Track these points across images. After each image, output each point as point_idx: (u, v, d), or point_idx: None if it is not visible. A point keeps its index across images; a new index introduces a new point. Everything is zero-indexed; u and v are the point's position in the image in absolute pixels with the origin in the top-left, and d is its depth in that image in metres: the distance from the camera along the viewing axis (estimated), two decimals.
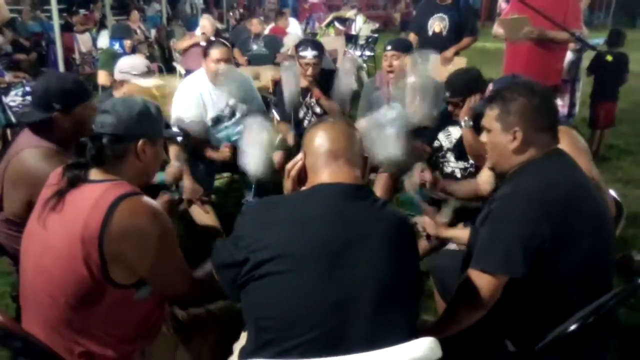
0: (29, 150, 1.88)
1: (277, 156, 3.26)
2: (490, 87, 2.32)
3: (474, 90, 2.47)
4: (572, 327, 1.36)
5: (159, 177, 2.47)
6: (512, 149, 1.52)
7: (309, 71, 3.19)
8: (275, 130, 2.85)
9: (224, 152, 2.92)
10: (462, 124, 2.46)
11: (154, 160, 1.54)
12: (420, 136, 2.88)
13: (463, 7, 4.52)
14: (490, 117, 1.58)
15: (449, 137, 2.72)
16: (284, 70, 3.26)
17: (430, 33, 4.44)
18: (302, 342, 1.13)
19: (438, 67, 4.26)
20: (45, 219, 1.35)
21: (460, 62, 4.11)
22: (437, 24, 4.41)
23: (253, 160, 2.52)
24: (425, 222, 2.13)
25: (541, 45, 3.59)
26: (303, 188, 1.38)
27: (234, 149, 2.80)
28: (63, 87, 1.85)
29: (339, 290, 1.15)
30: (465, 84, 2.51)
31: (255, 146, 2.53)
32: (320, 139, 1.34)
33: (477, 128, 1.69)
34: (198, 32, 6.35)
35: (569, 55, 4.35)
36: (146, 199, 1.37)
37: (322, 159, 1.32)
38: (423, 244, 2.13)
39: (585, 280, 1.46)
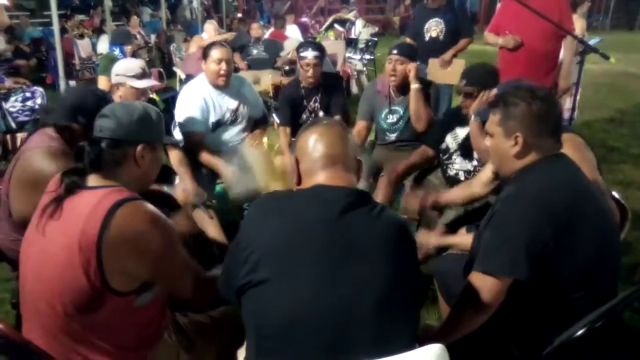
0: (37, 149, 1.86)
1: (279, 160, 3.25)
2: (495, 91, 2.31)
3: (489, 85, 2.42)
4: (580, 332, 1.35)
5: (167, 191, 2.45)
6: (513, 154, 1.52)
7: (310, 72, 3.20)
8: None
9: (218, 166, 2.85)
10: (472, 116, 2.40)
11: (153, 167, 1.52)
12: (426, 139, 2.87)
13: (458, 10, 4.53)
14: (493, 121, 1.58)
15: (455, 138, 2.67)
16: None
17: (427, 38, 4.43)
18: (303, 350, 1.12)
19: (437, 70, 4.27)
20: (44, 226, 1.33)
21: (459, 64, 4.10)
22: (433, 29, 4.40)
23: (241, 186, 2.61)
24: (423, 239, 2.10)
25: (535, 53, 3.61)
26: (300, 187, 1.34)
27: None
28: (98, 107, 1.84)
29: (339, 296, 1.14)
30: (483, 76, 2.47)
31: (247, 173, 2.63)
32: (316, 144, 1.30)
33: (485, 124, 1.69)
34: (205, 36, 6.35)
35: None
36: (145, 203, 1.34)
37: (318, 164, 1.29)
38: (423, 250, 2.10)
39: (589, 283, 1.46)
